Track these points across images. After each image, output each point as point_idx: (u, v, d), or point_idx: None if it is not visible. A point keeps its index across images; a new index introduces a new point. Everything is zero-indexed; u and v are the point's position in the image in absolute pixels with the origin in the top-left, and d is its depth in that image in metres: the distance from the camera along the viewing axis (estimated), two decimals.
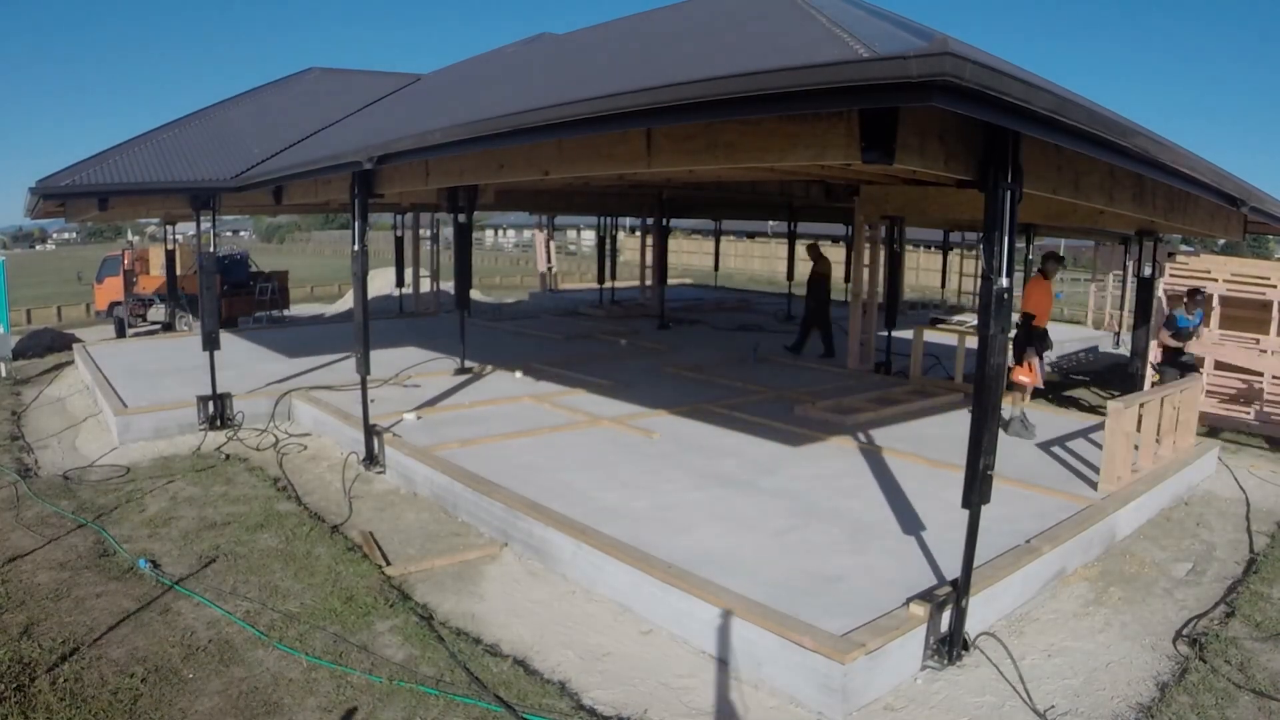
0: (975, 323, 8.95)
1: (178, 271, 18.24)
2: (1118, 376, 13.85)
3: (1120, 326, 18.40)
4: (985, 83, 3.24)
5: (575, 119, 4.65)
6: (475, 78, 10.41)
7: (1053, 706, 4.45)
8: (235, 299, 19.18)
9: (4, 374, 13.11)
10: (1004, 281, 4.32)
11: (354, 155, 6.98)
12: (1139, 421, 7.36)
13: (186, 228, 17.49)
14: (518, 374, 11.64)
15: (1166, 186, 6.21)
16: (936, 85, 3.15)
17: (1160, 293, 10.89)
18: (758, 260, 45.95)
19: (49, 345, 16.66)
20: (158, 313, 18.99)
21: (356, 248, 8.25)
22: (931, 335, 12.30)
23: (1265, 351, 10.45)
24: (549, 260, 25.48)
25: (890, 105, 3.63)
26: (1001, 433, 6.19)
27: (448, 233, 21.63)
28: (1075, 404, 12.24)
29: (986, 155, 4.29)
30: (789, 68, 3.51)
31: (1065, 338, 18.06)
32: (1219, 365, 10.89)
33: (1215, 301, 10.82)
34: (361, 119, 10.69)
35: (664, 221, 17.86)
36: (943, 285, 24.87)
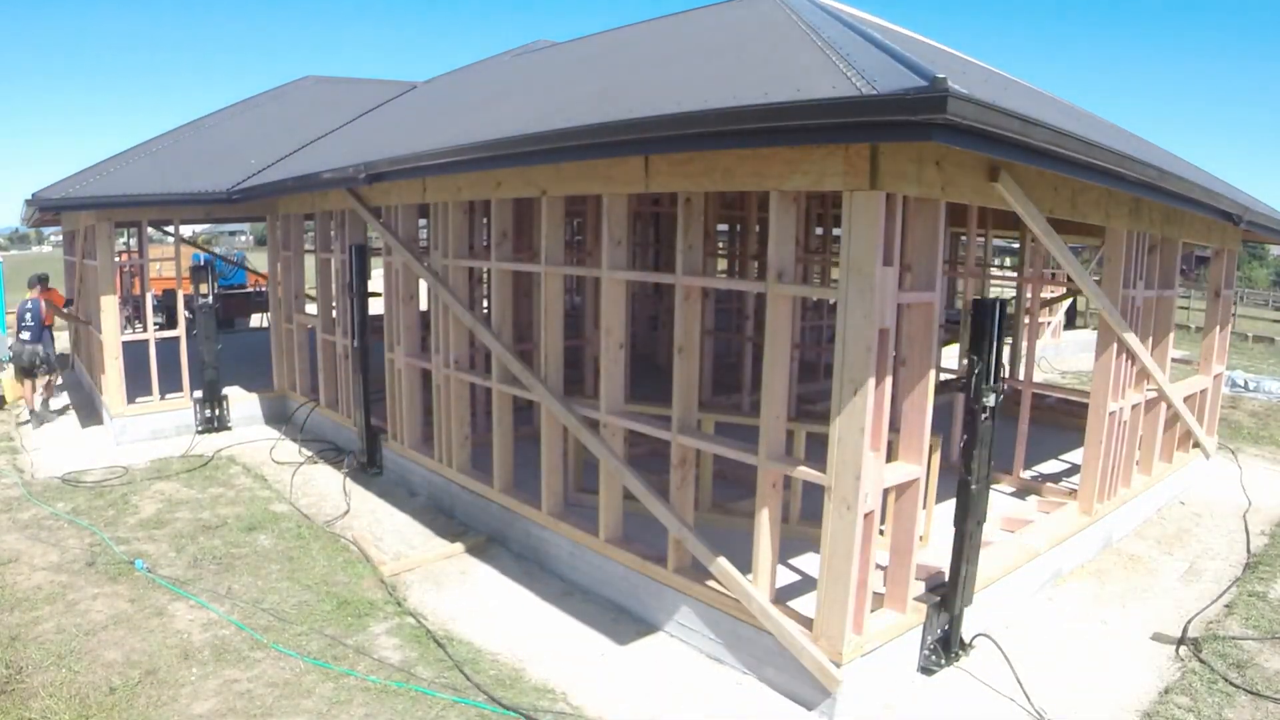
0: None
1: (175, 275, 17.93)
2: None
3: None
4: (984, 120, 3.26)
5: (572, 146, 4.67)
6: (472, 89, 10.36)
7: (1050, 707, 4.48)
8: (232, 301, 19.10)
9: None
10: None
11: (350, 171, 6.97)
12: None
13: (186, 230, 17.16)
14: None
15: (1163, 204, 6.22)
16: (937, 124, 3.16)
17: None
18: None
19: None
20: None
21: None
22: None
23: None
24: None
25: (890, 140, 3.64)
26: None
27: None
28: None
29: (984, 179, 4.30)
30: (789, 105, 3.51)
31: (1068, 340, 18.11)
32: None
33: None
34: (357, 128, 10.66)
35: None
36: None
